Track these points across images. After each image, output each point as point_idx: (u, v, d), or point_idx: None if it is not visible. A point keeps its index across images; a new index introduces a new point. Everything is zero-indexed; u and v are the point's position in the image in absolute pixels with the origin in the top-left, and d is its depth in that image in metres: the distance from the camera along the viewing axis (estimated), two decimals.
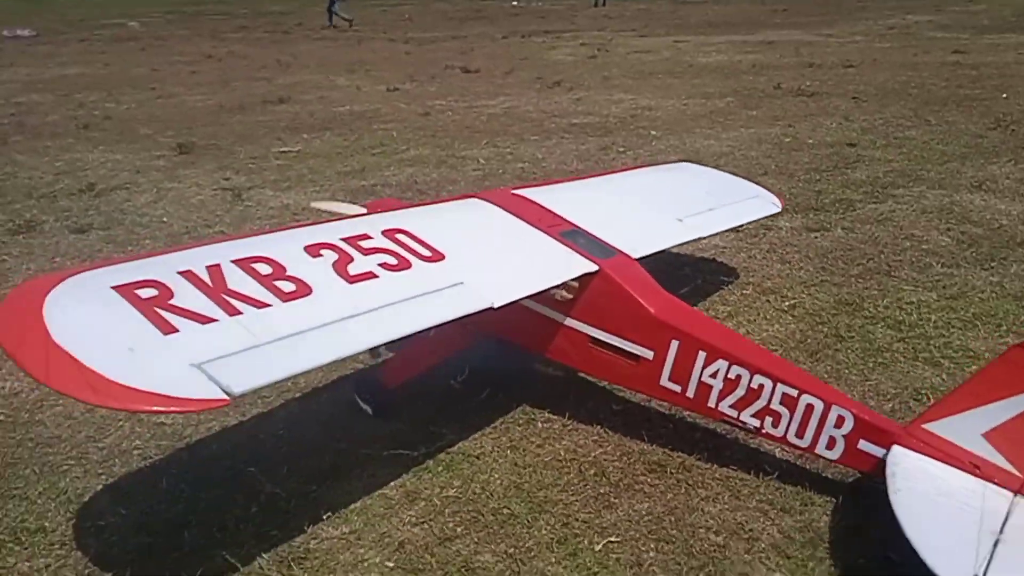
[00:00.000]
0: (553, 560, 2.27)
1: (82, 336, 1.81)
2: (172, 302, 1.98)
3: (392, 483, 2.64)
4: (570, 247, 2.77)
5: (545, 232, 2.83)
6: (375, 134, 8.63)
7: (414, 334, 2.21)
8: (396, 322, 2.16)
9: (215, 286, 2.07)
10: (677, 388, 2.61)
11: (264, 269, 2.19)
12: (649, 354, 2.64)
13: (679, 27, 22.31)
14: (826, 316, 3.73)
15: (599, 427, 2.90)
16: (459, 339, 2.97)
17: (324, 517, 2.47)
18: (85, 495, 2.63)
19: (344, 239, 2.43)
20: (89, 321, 1.89)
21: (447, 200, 3.09)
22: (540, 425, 2.93)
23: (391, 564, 2.29)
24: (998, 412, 2.13)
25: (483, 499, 2.54)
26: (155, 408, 1.77)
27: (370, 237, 2.49)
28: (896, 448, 2.25)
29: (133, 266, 2.13)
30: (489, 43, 19.32)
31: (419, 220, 2.68)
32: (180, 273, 2.09)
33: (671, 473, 2.63)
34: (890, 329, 3.56)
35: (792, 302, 3.90)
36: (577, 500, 2.52)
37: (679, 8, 31.85)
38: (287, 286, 2.15)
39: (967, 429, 2.18)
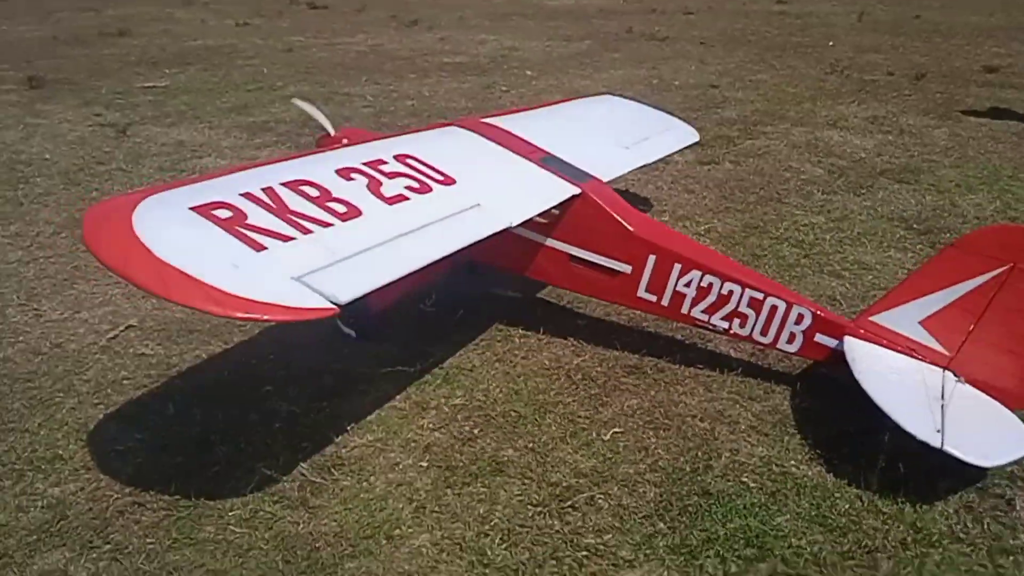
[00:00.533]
0: (570, 450, 2.54)
1: (187, 254, 1.86)
2: (249, 222, 2.04)
3: (399, 396, 2.80)
4: (553, 172, 2.99)
5: (527, 158, 3.03)
6: (242, 70, 8.34)
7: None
8: (441, 239, 2.32)
9: (278, 207, 2.14)
10: (653, 298, 2.92)
11: (312, 192, 2.27)
12: (628, 268, 2.92)
13: None
14: (739, 238, 4.17)
15: (572, 339, 3.17)
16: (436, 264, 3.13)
17: (348, 428, 2.61)
18: (89, 424, 2.61)
19: (365, 163, 2.53)
20: (187, 240, 1.93)
21: (427, 128, 3.17)
22: (518, 340, 3.17)
23: (424, 464, 2.48)
24: (931, 303, 2.59)
25: (489, 405, 2.76)
26: (277, 317, 1.85)
27: (385, 162, 2.60)
28: (848, 339, 2.67)
29: (196, 189, 2.16)
30: None
31: (422, 146, 2.80)
32: (242, 195, 2.14)
33: (648, 374, 2.95)
34: (795, 248, 4.05)
35: (707, 227, 4.31)
36: (574, 401, 2.80)
37: None
38: (339, 207, 2.25)
39: (906, 319, 2.62)
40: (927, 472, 2.32)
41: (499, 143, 3.05)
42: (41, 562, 2.07)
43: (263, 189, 2.20)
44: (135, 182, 4.80)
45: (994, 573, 2.06)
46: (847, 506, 2.29)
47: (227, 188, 2.16)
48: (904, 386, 2.47)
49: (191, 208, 2.03)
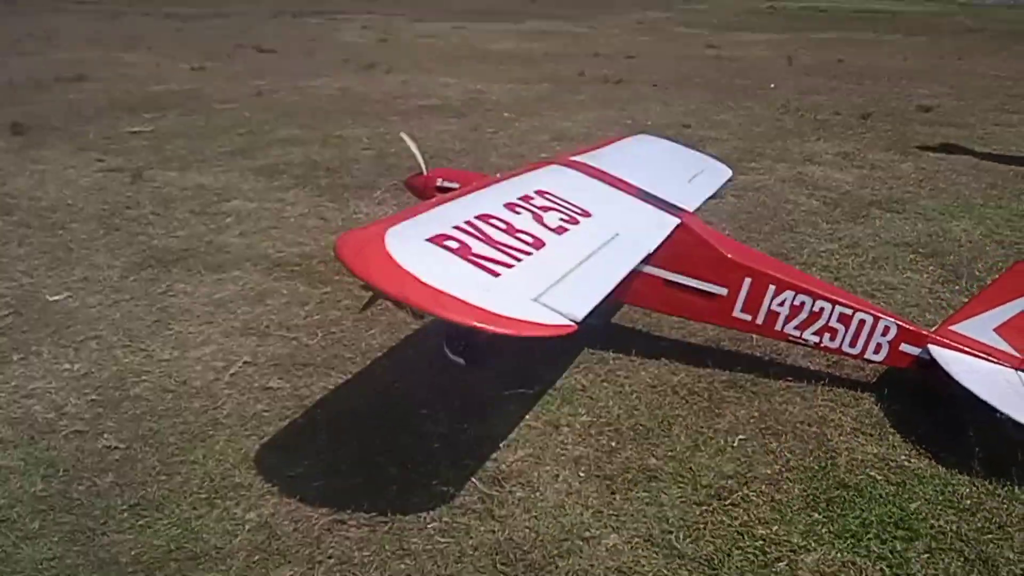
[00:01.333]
0: (706, 457, 2.80)
1: (447, 280, 2.05)
2: (475, 252, 2.25)
3: (528, 416, 3.01)
4: (654, 206, 3.28)
5: (629, 194, 3.31)
6: (222, 115, 8.40)
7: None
8: (613, 265, 2.57)
9: (487, 238, 2.35)
10: (748, 317, 3.23)
11: (500, 224, 2.49)
12: (724, 291, 3.22)
13: (447, 12, 22.95)
14: None
15: (664, 359, 3.43)
16: None
17: (499, 446, 2.81)
18: (250, 454, 2.73)
19: (520, 199, 2.76)
20: (441, 268, 2.12)
21: (531, 167, 3.37)
22: (613, 362, 3.41)
23: (582, 474, 2.69)
24: (1003, 312, 2.98)
25: (615, 420, 3.00)
26: (534, 334, 2.06)
27: (532, 198, 2.83)
28: (932, 347, 3.04)
29: (419, 222, 2.35)
30: (259, 22, 18.76)
31: (551, 183, 3.04)
32: (456, 228, 2.34)
33: (746, 388, 3.24)
34: (824, 272, 4.44)
35: None
36: (689, 413, 3.06)
37: None
38: (527, 238, 2.47)
39: (982, 327, 3.01)
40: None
41: (601, 180, 3.32)
42: None
43: (466, 223, 2.41)
44: (175, 226, 4.86)
45: None
46: (966, 490, 2.62)
47: (442, 222, 2.36)
48: (996, 383, 2.83)
49: (427, 240, 2.23)
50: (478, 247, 2.29)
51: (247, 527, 2.39)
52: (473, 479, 2.63)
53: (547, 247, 2.48)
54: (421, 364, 3.30)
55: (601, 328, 3.62)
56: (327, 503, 2.48)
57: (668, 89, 10.61)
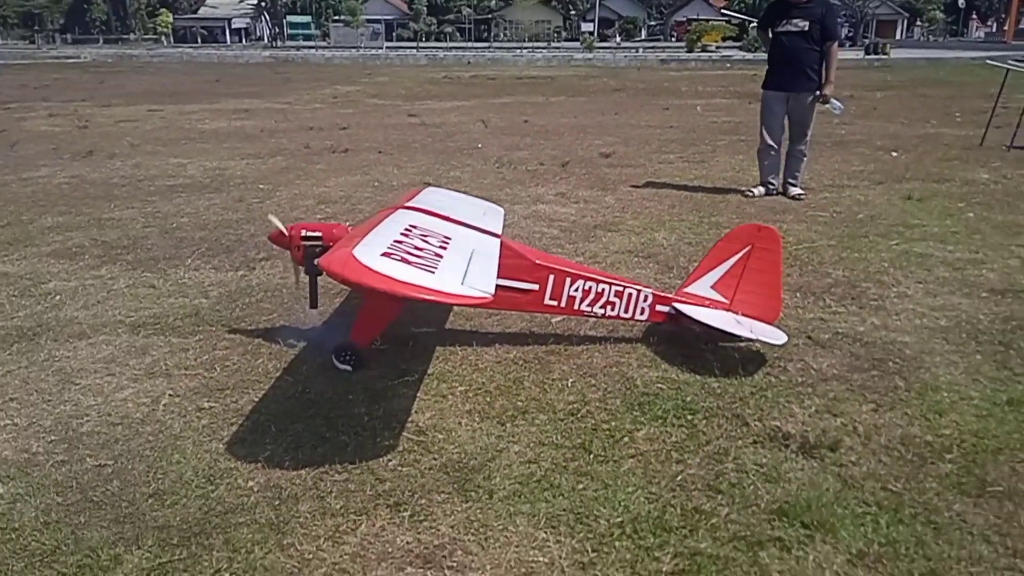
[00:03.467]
0: (553, 394, 3.98)
1: (410, 276, 3.05)
2: (412, 261, 3.26)
3: (419, 393, 4.01)
4: (479, 231, 4.47)
5: (459, 224, 4.47)
6: None
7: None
8: (487, 266, 3.71)
9: (411, 253, 3.37)
10: (555, 303, 4.49)
11: (411, 245, 3.51)
12: (536, 287, 4.47)
13: (129, 97, 22.61)
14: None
15: (496, 344, 4.59)
16: (399, 305, 4.38)
17: (412, 412, 3.79)
18: (220, 450, 3.44)
19: (403, 232, 3.81)
20: (401, 270, 3.10)
21: (386, 213, 4.30)
22: (462, 352, 4.48)
23: (476, 419, 3.75)
24: (713, 275, 4.56)
25: (482, 386, 4.09)
26: (475, 304, 3.11)
27: (410, 230, 3.88)
28: (676, 304, 4.54)
29: (367, 244, 3.30)
30: None
31: (410, 220, 4.10)
32: (390, 247, 3.34)
33: (561, 353, 4.48)
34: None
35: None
36: (530, 373, 4.22)
37: (104, 78, 31.41)
38: (430, 253, 3.52)
39: (703, 286, 4.57)
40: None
41: (437, 217, 4.45)
42: None
43: (392, 243, 3.42)
44: (9, 310, 5.13)
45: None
46: (714, 384, 4.08)
47: (379, 245, 3.35)
48: (720, 318, 4.37)
49: (381, 255, 3.22)
50: (411, 258, 3.33)
51: (256, 489, 3.14)
52: (404, 433, 3.58)
53: (444, 259, 3.57)
54: (317, 375, 4.14)
55: (437, 331, 4.72)
56: (307, 465, 3.28)
57: (394, 154, 11.90)
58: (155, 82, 29.51)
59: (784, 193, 8.41)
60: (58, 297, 5.39)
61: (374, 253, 3.27)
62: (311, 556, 2.75)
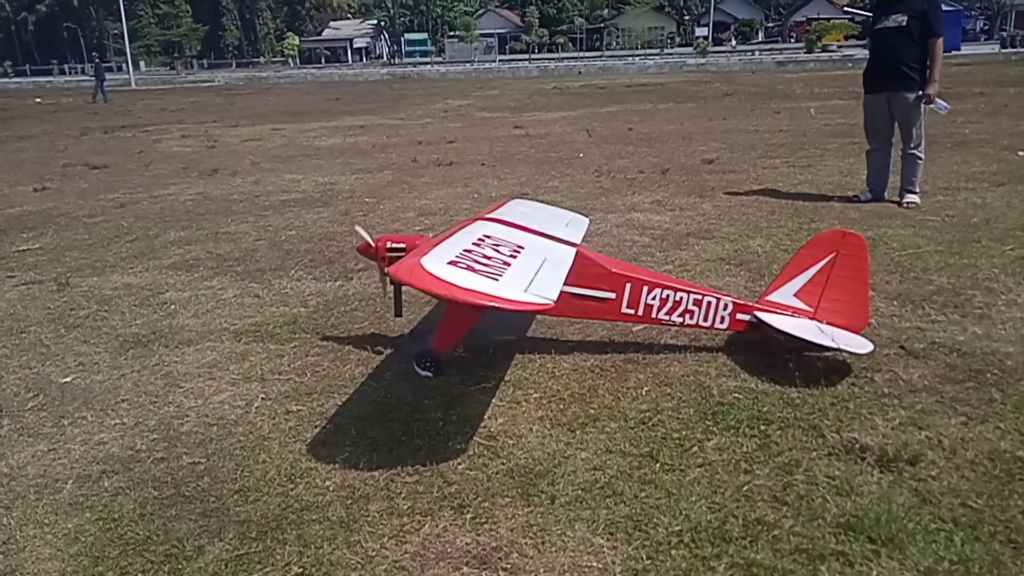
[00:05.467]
0: (626, 403, 4.00)
1: (474, 283, 3.17)
2: (477, 269, 3.37)
3: (494, 399, 4.11)
4: (556, 241, 4.54)
5: (537, 234, 4.56)
6: (101, 227, 8.91)
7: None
8: (555, 275, 3.78)
9: (478, 261, 3.49)
10: (632, 311, 4.51)
11: (479, 254, 3.63)
12: (612, 295, 4.50)
13: (255, 117, 23.81)
14: None
15: (575, 352, 4.63)
16: (478, 313, 4.49)
17: (485, 418, 3.89)
18: (303, 451, 3.63)
19: (475, 241, 3.94)
20: (466, 278, 3.23)
21: (464, 224, 4.47)
22: (540, 360, 4.56)
23: (548, 425, 3.81)
24: (796, 283, 4.46)
25: (557, 393, 4.15)
26: (534, 309, 3.20)
27: (483, 240, 4.00)
28: (758, 313, 4.47)
29: (436, 254, 3.45)
30: (71, 142, 18.81)
31: (485, 230, 4.22)
32: (457, 256, 3.47)
33: (639, 361, 4.48)
34: None
35: None
36: (605, 381, 4.25)
37: (234, 100, 33.13)
38: (498, 261, 3.63)
39: (786, 294, 4.47)
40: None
41: (515, 227, 4.54)
42: None
43: (461, 253, 3.55)
44: (129, 317, 5.55)
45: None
46: (793, 394, 3.99)
47: (447, 254, 3.49)
48: (801, 327, 4.28)
49: (447, 263, 3.35)
50: (477, 266, 3.44)
51: (331, 488, 3.31)
52: (475, 438, 3.69)
53: (512, 267, 3.66)
54: (399, 381, 4.31)
55: (519, 339, 4.80)
56: (380, 467, 3.43)
57: (496, 166, 12.12)
58: (280, 102, 31.02)
59: (899, 201, 8.03)
60: (173, 306, 5.79)
61: (441, 261, 3.39)
62: (375, 553, 2.88)
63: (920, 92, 7.73)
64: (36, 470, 3.57)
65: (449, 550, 2.89)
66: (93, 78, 39.32)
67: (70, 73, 73.05)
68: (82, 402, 4.24)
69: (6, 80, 69.68)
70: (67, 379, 4.52)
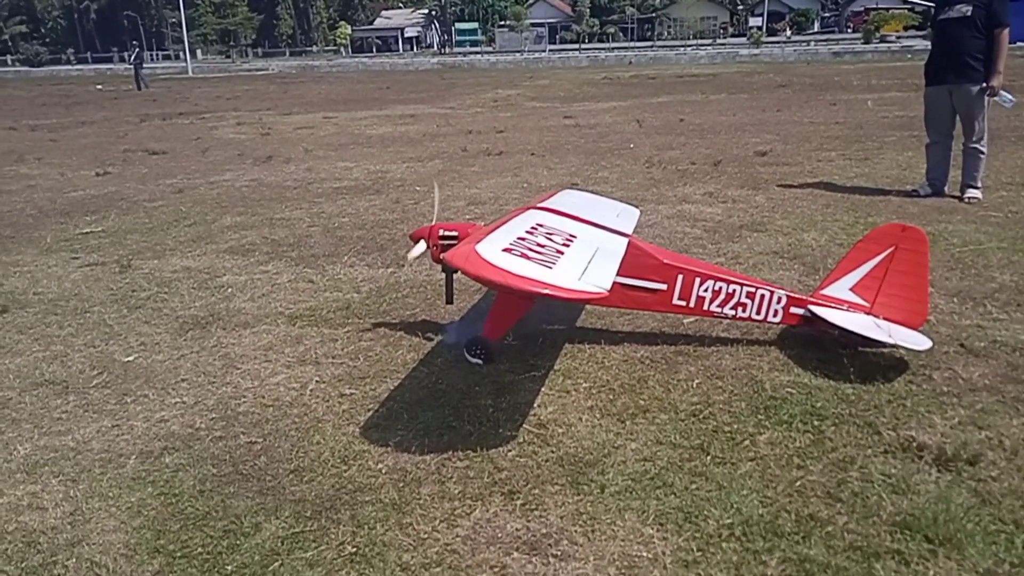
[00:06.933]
0: (677, 395, 3.98)
1: (528, 271, 3.19)
2: (531, 256, 3.39)
3: (543, 388, 4.11)
4: (607, 231, 4.53)
5: (589, 224, 4.55)
6: (158, 211, 9.13)
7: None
8: (608, 264, 3.77)
9: (532, 249, 3.51)
10: (683, 303, 4.48)
11: (533, 242, 3.65)
12: (664, 286, 4.47)
13: (308, 105, 24.09)
14: None
15: (625, 343, 4.62)
16: (529, 301, 4.51)
17: (534, 406, 3.90)
18: (356, 434, 3.69)
19: (528, 230, 3.95)
20: (520, 265, 3.25)
21: (516, 213, 4.49)
22: (590, 350, 4.55)
23: (597, 415, 3.82)
24: (853, 277, 4.39)
25: (606, 384, 4.14)
26: (588, 299, 3.21)
27: (535, 229, 4.01)
28: (812, 307, 4.40)
29: (491, 241, 3.48)
30: (131, 128, 19.24)
31: (537, 219, 4.23)
32: (511, 244, 3.49)
33: (690, 354, 4.45)
34: None
35: None
36: (656, 373, 4.23)
37: (287, 88, 33.52)
38: (551, 250, 3.64)
39: (841, 289, 4.40)
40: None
41: (566, 217, 4.54)
42: None
43: (515, 240, 3.57)
44: (188, 300, 5.69)
45: None
46: (848, 390, 3.93)
47: (501, 241, 3.51)
48: (858, 322, 4.21)
49: (502, 250, 3.38)
50: (531, 254, 3.45)
51: (384, 471, 3.36)
52: (525, 426, 3.71)
53: (565, 255, 3.67)
54: (450, 367, 4.35)
55: (568, 329, 4.81)
56: (432, 451, 3.47)
57: (545, 156, 12.10)
58: (332, 91, 31.35)
59: (960, 196, 7.83)
60: (230, 290, 5.92)
61: (496, 249, 3.42)
62: (426, 536, 2.92)
63: (984, 84, 7.52)
64: (101, 445, 3.68)
65: (499, 535, 2.91)
66: (132, 67, 37.95)
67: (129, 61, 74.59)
68: (144, 380, 4.35)
69: (68, 67, 71.60)
70: (130, 358, 4.64)
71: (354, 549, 2.86)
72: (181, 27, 62.49)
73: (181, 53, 62.10)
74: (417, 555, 2.82)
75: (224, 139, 16.26)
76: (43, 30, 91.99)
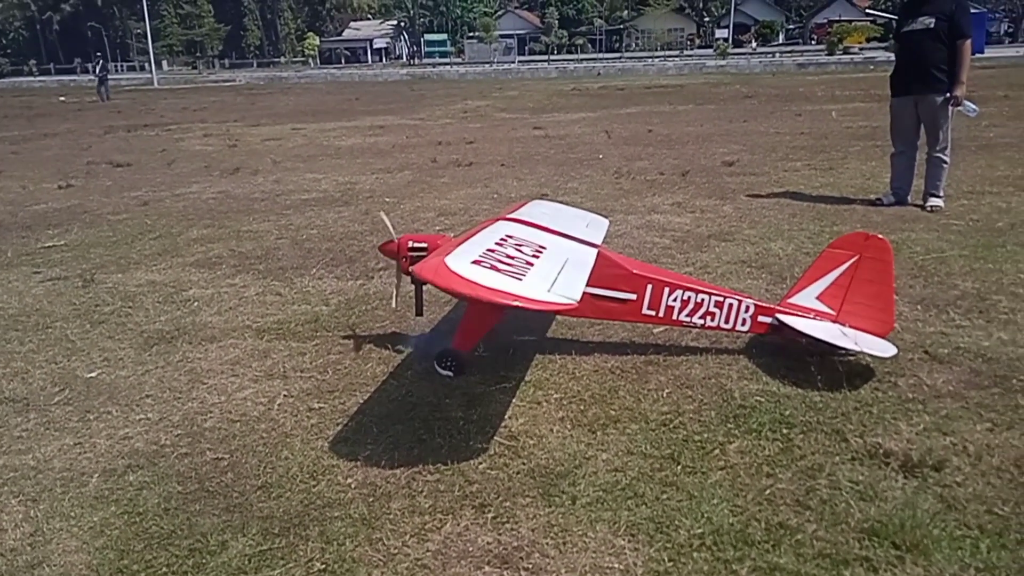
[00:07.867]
0: (647, 405, 3.98)
1: (497, 283, 3.18)
2: (501, 268, 3.38)
3: (515, 399, 4.11)
4: (577, 241, 4.54)
5: (558, 235, 4.55)
6: (123, 224, 8.99)
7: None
8: (577, 275, 3.77)
9: (502, 261, 3.49)
10: (653, 313, 4.49)
11: (502, 254, 3.63)
12: (633, 296, 4.49)
13: (276, 116, 23.93)
14: None
15: (595, 353, 4.63)
16: (499, 312, 4.50)
17: (505, 418, 3.89)
18: (325, 448, 3.64)
19: (498, 241, 3.93)
20: (490, 277, 3.23)
21: (485, 224, 4.47)
22: (560, 360, 4.55)
23: (568, 426, 3.81)
24: (819, 286, 4.44)
25: (577, 394, 4.14)
26: (557, 310, 3.20)
27: (505, 240, 4.00)
28: (779, 315, 4.44)
29: (460, 253, 3.46)
30: (95, 140, 18.98)
31: (507, 231, 4.22)
32: (481, 256, 3.48)
33: (659, 363, 4.46)
34: None
35: None
36: (626, 383, 4.24)
37: (255, 99, 33.31)
38: (521, 261, 3.63)
39: (808, 297, 4.45)
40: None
41: (536, 228, 4.54)
42: None
43: (485, 252, 3.55)
44: (153, 314, 5.60)
45: None
46: (816, 398, 3.96)
47: (470, 253, 3.49)
48: (825, 330, 4.25)
49: (471, 262, 3.36)
50: (500, 266, 3.44)
51: (353, 486, 3.32)
52: (496, 438, 3.69)
53: (535, 267, 3.66)
54: (420, 380, 4.32)
55: (538, 340, 4.81)
56: (402, 465, 3.44)
57: (515, 167, 12.12)
58: (300, 102, 31.19)
59: (923, 205, 7.96)
60: (196, 303, 5.84)
61: (465, 261, 3.40)
62: (396, 551, 2.89)
63: (948, 94, 7.66)
64: (62, 463, 3.61)
65: (470, 549, 2.89)
66: (97, 78, 38.84)
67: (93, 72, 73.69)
68: (107, 397, 4.28)
69: (31, 79, 70.56)
70: (92, 374, 4.56)
71: (323, 566, 2.82)
72: (146, 38, 61.92)
73: (147, 64, 61.42)
74: (387, 571, 2.79)
75: (190, 151, 16.10)
76: (4, 41, 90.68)
